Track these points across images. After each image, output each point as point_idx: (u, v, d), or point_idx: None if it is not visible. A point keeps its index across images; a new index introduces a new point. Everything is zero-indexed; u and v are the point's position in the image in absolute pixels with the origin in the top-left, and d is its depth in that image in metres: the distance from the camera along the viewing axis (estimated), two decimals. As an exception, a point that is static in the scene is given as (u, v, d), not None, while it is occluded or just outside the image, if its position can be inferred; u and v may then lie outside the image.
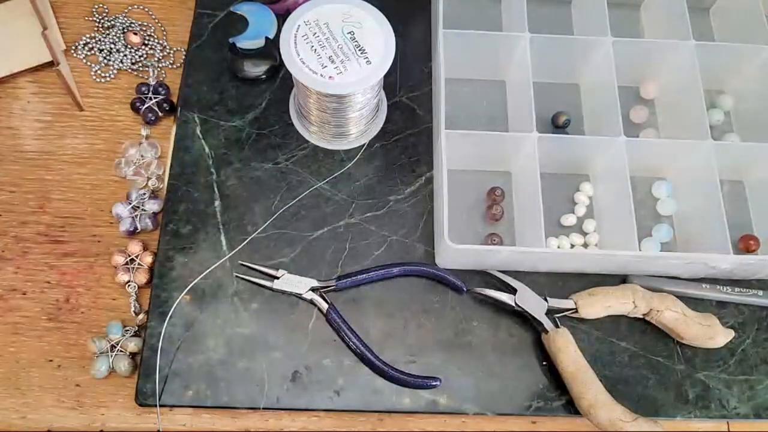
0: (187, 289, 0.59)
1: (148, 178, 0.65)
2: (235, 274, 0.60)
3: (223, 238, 0.62)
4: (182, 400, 0.56)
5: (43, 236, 0.63)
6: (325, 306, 0.59)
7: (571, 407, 0.58)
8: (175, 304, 0.58)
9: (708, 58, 0.65)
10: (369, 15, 0.58)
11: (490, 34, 0.65)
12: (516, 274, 0.62)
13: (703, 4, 0.75)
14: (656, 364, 0.61)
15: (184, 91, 0.67)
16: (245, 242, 0.61)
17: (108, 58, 0.70)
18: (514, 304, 0.59)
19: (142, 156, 0.66)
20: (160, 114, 0.67)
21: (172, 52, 0.72)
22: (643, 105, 0.70)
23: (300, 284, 0.60)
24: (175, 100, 0.69)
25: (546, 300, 0.60)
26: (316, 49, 0.57)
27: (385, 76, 0.58)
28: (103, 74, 0.70)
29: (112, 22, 0.72)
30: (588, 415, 0.56)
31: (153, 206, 0.63)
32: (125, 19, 0.72)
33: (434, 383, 0.57)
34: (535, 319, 0.59)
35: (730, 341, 0.61)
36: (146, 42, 0.71)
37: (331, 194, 0.64)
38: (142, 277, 0.61)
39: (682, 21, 0.66)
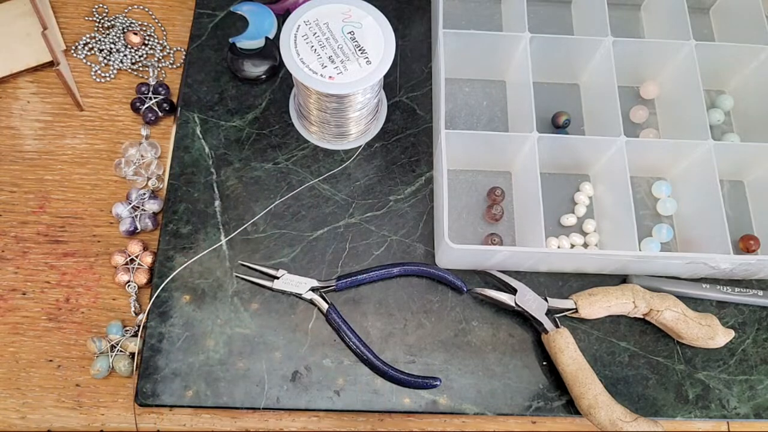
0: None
1: (148, 178, 0.65)
2: (235, 274, 0.60)
3: (223, 238, 0.62)
4: (182, 400, 0.56)
5: (43, 236, 0.63)
6: (325, 306, 0.59)
7: (571, 407, 0.58)
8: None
9: (708, 58, 0.65)
10: (369, 15, 0.58)
11: (490, 34, 0.65)
12: (516, 274, 0.62)
13: (703, 4, 0.75)
14: (656, 364, 0.61)
15: (184, 91, 0.67)
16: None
17: (108, 58, 0.70)
18: (514, 304, 0.59)
19: (142, 156, 0.66)
20: (160, 114, 0.67)
21: (172, 52, 0.72)
22: (643, 105, 0.70)
23: (300, 284, 0.60)
24: (175, 100, 0.69)
25: (546, 300, 0.60)
26: (316, 49, 0.57)
27: (385, 76, 0.58)
28: (103, 74, 0.70)
29: (112, 22, 0.72)
30: (588, 415, 0.56)
31: (153, 206, 0.63)
32: (125, 19, 0.72)
33: (434, 383, 0.57)
34: (535, 319, 0.59)
35: (730, 341, 0.61)
36: (146, 42, 0.71)
37: (331, 194, 0.64)
38: (142, 277, 0.61)
39: (682, 21, 0.66)
